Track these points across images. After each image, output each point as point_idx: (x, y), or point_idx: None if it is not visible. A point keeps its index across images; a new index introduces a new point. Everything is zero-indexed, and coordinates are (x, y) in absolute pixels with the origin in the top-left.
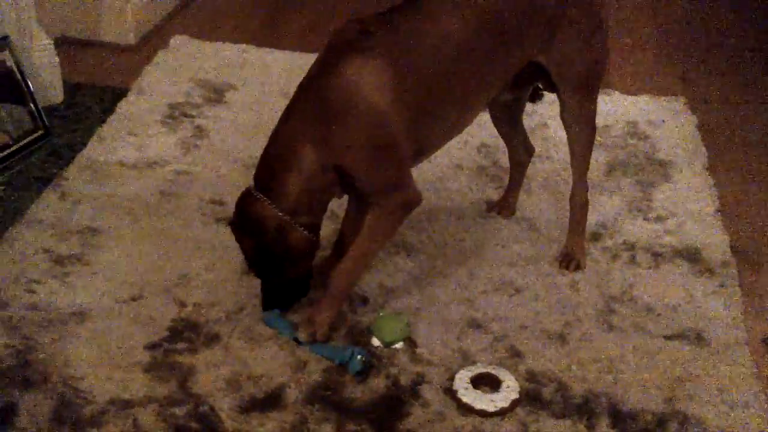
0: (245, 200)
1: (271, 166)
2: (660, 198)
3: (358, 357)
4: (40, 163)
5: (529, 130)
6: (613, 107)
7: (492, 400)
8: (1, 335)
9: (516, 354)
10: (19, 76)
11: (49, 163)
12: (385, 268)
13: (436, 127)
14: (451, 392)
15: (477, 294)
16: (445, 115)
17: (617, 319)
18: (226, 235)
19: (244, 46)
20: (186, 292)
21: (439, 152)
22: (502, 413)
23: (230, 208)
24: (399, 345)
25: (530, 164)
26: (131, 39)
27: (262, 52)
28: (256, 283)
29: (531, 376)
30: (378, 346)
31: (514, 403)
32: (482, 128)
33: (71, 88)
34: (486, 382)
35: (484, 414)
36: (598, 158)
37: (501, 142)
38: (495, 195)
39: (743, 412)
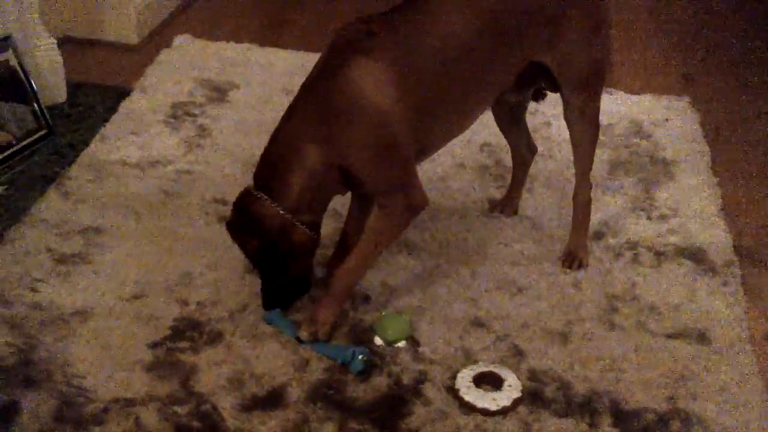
0: (246, 200)
1: (273, 166)
2: (663, 197)
3: (360, 357)
4: (43, 162)
5: (532, 129)
6: (616, 106)
7: (494, 399)
8: (4, 334)
9: (518, 353)
10: (22, 76)
11: (52, 162)
12: (388, 266)
13: (439, 126)
14: (453, 391)
15: (479, 293)
16: (447, 115)
17: (620, 318)
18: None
19: (246, 45)
20: (188, 291)
21: (441, 151)
22: (504, 412)
23: None
24: (401, 344)
25: (533, 163)
26: (134, 38)
27: (265, 51)
28: (258, 282)
29: (533, 375)
30: (380, 345)
31: (516, 402)
32: (485, 127)
33: (74, 88)
34: (488, 381)
35: (486, 413)
36: (601, 157)
37: (504, 141)
38: (498, 194)
39: (745, 410)
